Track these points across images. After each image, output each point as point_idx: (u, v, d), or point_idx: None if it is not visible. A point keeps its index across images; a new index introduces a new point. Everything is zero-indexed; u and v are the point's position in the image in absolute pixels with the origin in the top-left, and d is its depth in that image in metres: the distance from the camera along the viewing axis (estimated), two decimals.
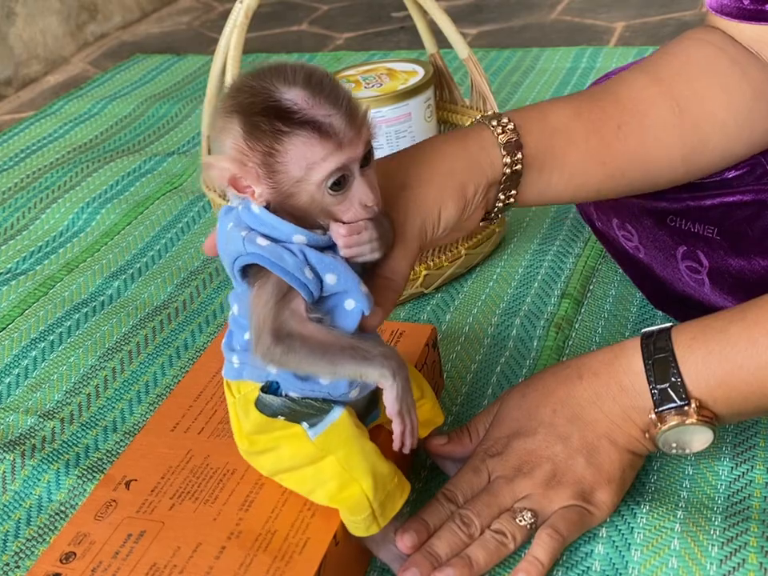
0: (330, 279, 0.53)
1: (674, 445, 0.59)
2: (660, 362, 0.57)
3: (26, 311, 0.99)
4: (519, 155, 0.61)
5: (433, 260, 0.92)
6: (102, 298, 1.00)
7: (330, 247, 0.54)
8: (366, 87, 0.98)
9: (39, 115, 1.58)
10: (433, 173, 0.60)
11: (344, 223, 0.53)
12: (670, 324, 0.60)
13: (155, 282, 1.03)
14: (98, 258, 1.09)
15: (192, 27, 2.10)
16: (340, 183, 0.52)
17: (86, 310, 0.98)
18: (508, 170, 0.61)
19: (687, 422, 0.57)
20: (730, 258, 0.70)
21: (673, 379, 0.57)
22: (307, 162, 0.51)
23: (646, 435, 0.60)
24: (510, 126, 0.62)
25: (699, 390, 0.57)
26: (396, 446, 0.56)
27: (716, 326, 0.57)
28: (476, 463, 0.62)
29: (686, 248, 0.73)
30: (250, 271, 0.54)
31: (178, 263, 1.06)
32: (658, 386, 0.57)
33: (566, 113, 0.65)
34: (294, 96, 0.50)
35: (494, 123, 0.62)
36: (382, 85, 0.98)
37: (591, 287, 0.92)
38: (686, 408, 0.57)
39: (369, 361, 0.54)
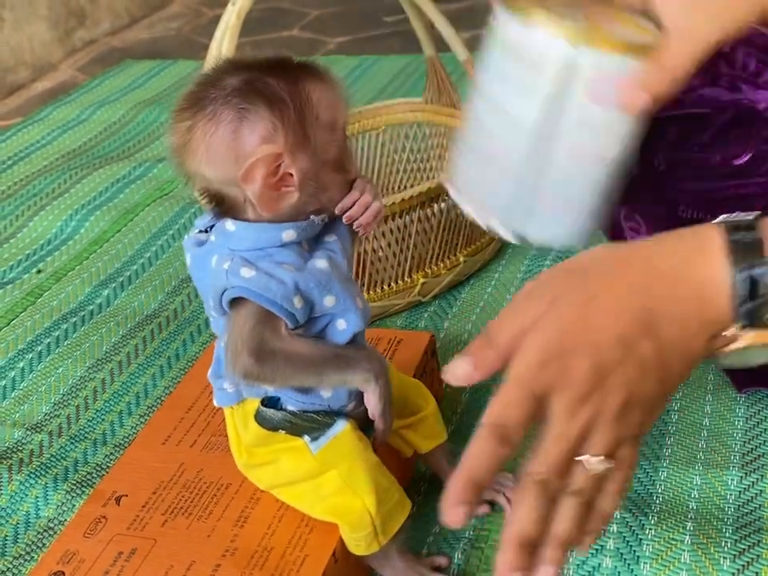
0: (328, 302, 0.53)
1: (736, 361, 0.53)
2: (752, 277, 0.48)
3: (13, 321, 0.97)
4: None
5: (431, 267, 0.90)
6: (91, 307, 0.98)
7: (326, 229, 0.54)
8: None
9: (27, 122, 1.56)
10: None
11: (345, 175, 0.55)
12: (754, 214, 0.50)
13: (145, 290, 1.00)
14: (86, 266, 1.07)
15: (182, 33, 2.08)
16: None
17: (74, 319, 0.96)
18: None
19: (760, 343, 0.50)
20: None
21: (761, 298, 0.48)
22: (332, 106, 0.53)
23: (708, 347, 0.51)
24: None
25: None
26: (379, 442, 0.57)
27: None
28: (531, 387, 0.48)
29: None
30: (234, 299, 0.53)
31: (168, 271, 1.04)
32: (745, 305, 0.49)
33: None
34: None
35: None
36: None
37: None
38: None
39: (353, 367, 0.54)
